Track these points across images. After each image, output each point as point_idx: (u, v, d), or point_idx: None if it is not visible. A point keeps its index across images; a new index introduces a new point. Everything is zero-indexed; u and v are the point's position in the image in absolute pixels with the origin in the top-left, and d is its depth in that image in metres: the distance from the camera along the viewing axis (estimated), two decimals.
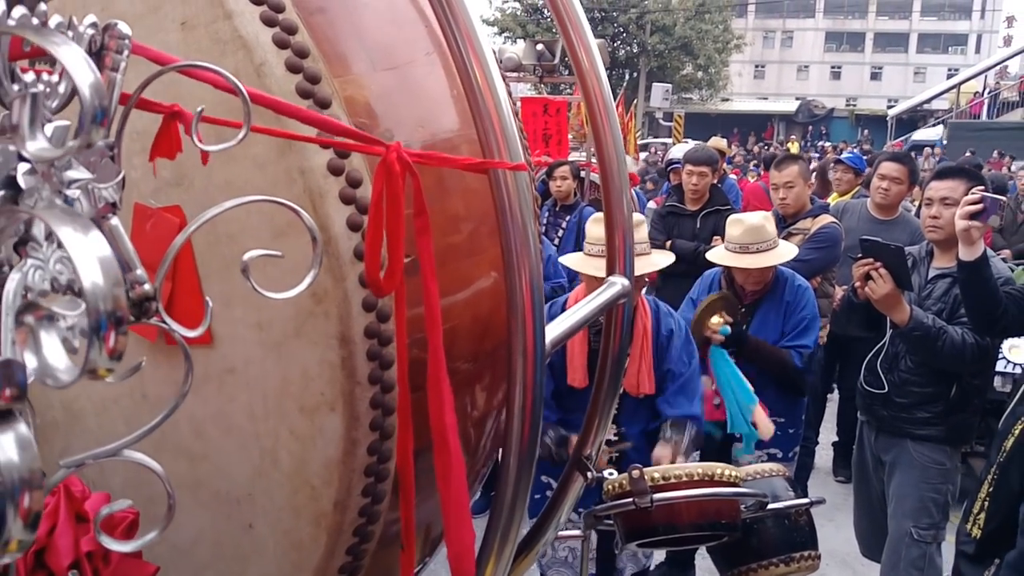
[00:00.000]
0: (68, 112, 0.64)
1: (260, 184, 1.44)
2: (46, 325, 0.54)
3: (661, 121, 26.28)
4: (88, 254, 0.49)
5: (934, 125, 31.03)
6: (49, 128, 0.55)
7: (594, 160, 8.35)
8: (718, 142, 9.50)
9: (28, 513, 0.49)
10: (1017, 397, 2.40)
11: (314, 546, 1.53)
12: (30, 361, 0.53)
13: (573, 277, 5.78)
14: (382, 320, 1.46)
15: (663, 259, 3.22)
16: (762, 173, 16.48)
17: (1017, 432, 2.19)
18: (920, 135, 22.53)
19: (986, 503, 2.32)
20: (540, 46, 9.10)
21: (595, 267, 2.79)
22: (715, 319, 3.68)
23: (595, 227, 3.00)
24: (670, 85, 24.50)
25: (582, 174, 7.94)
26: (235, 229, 1.47)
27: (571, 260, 3.15)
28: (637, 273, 2.02)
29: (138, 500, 0.99)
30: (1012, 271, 4.93)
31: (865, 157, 8.52)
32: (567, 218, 6.51)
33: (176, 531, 1.60)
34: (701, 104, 41.29)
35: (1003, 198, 3.28)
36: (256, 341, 1.49)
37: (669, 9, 37.29)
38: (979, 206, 3.13)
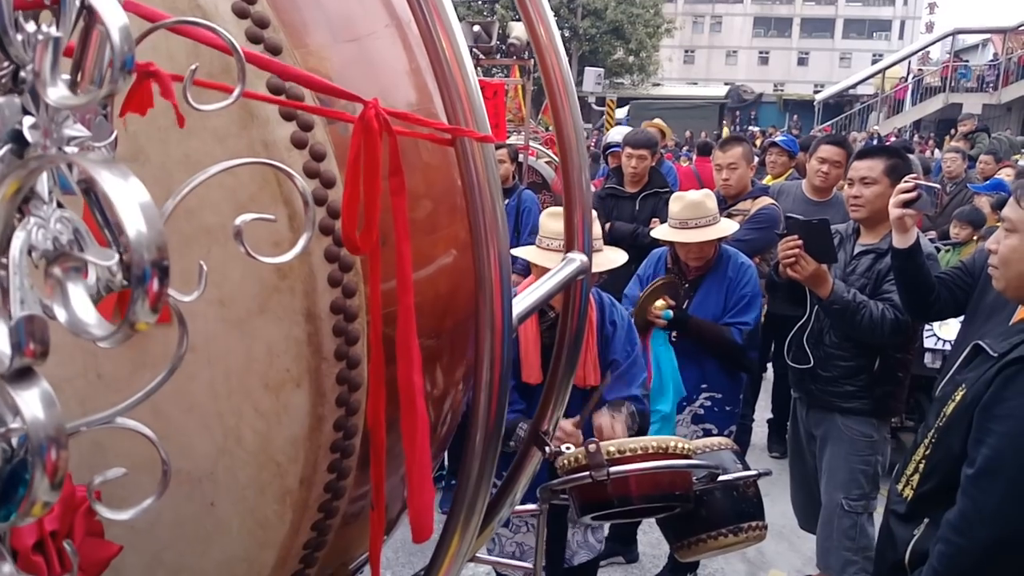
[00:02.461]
0: None
1: (221, 158, 1.39)
2: (74, 277, 0.52)
3: (594, 106, 26.42)
4: (130, 200, 0.48)
5: (859, 110, 31.91)
6: (65, 81, 0.53)
7: (533, 144, 8.38)
8: (659, 124, 9.60)
9: (55, 472, 0.48)
10: (957, 365, 2.50)
11: (279, 523, 1.51)
12: (60, 315, 0.51)
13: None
14: (348, 295, 1.45)
15: (618, 256, 3.24)
16: (694, 158, 16.74)
17: (958, 398, 2.28)
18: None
19: (921, 465, 2.41)
20: (477, 27, 9.06)
21: (551, 260, 2.79)
22: (659, 303, 3.75)
23: (551, 221, 3.01)
24: (602, 70, 24.58)
25: (520, 158, 7.95)
26: (194, 204, 1.43)
27: (525, 252, 3.16)
28: (593, 270, 2.04)
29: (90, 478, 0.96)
30: (938, 251, 5.11)
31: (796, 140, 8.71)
32: (506, 201, 6.51)
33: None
34: (632, 89, 41.64)
35: (937, 186, 3.39)
36: (218, 318, 1.46)
37: None
38: (913, 194, 3.22)
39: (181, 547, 1.60)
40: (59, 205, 0.59)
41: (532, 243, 3.21)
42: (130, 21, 0.73)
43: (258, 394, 1.47)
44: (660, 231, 4.19)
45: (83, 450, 1.60)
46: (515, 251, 3.14)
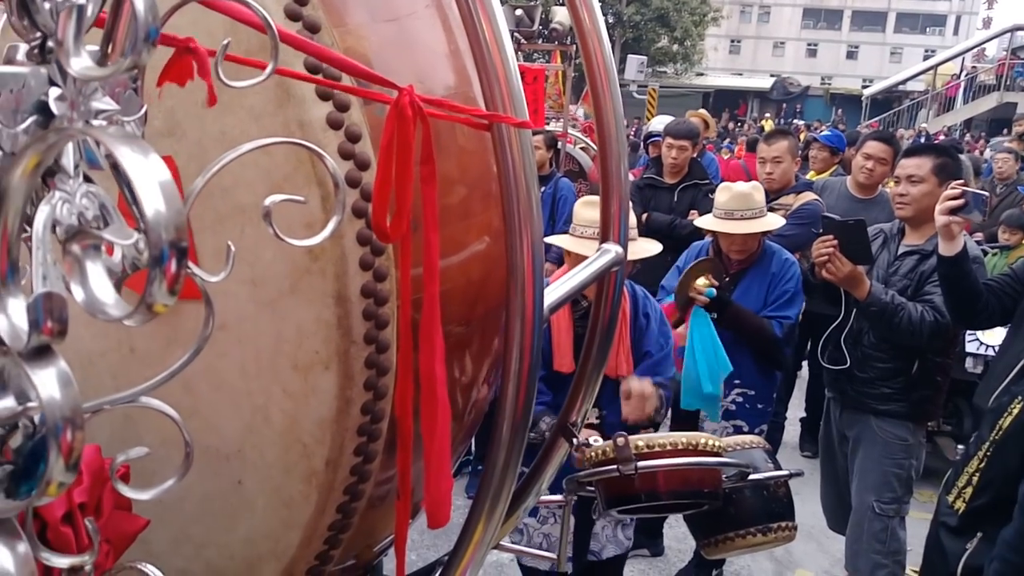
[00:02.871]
0: None
1: (256, 136, 1.39)
2: (93, 255, 0.51)
3: (635, 94, 26.18)
4: (150, 178, 0.47)
5: (908, 107, 31.30)
6: (89, 52, 0.52)
7: (571, 131, 8.33)
8: (703, 115, 9.46)
9: (71, 453, 0.47)
10: (1012, 375, 2.43)
11: (305, 504, 1.52)
12: (77, 294, 0.51)
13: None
14: (379, 280, 1.44)
15: (652, 247, 3.22)
16: (736, 150, 16.54)
17: (1016, 411, 2.22)
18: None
19: (974, 478, 2.35)
20: (519, 11, 9.00)
21: (586, 248, 2.78)
22: (702, 280, 3.69)
23: (585, 209, 3.00)
24: (645, 58, 24.34)
25: (558, 145, 7.89)
26: (229, 182, 1.43)
27: (560, 240, 3.15)
28: (628, 258, 2.02)
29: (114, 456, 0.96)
30: (985, 255, 5.00)
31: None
32: (542, 189, 6.48)
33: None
34: (675, 78, 41.22)
35: (985, 193, 3.30)
36: (249, 297, 1.46)
37: None
38: (959, 201, 3.14)
39: (208, 522, 1.62)
40: (87, 180, 0.58)
41: (567, 232, 3.19)
42: None
43: (287, 375, 1.47)
44: (704, 220, 4.14)
45: (115, 425, 1.62)
46: (549, 239, 3.13)
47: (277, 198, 0.81)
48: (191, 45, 0.79)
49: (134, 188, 0.46)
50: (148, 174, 0.47)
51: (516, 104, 1.34)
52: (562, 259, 3.49)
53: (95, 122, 0.55)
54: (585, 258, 1.94)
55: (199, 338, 0.65)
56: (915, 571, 4.25)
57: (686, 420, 4.04)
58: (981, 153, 16.24)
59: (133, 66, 0.50)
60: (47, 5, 0.51)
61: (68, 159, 0.55)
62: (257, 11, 0.71)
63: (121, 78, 0.58)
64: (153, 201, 0.47)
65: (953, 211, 3.15)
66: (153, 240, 0.47)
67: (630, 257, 2.97)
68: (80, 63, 0.51)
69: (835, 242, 3.52)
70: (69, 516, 1.11)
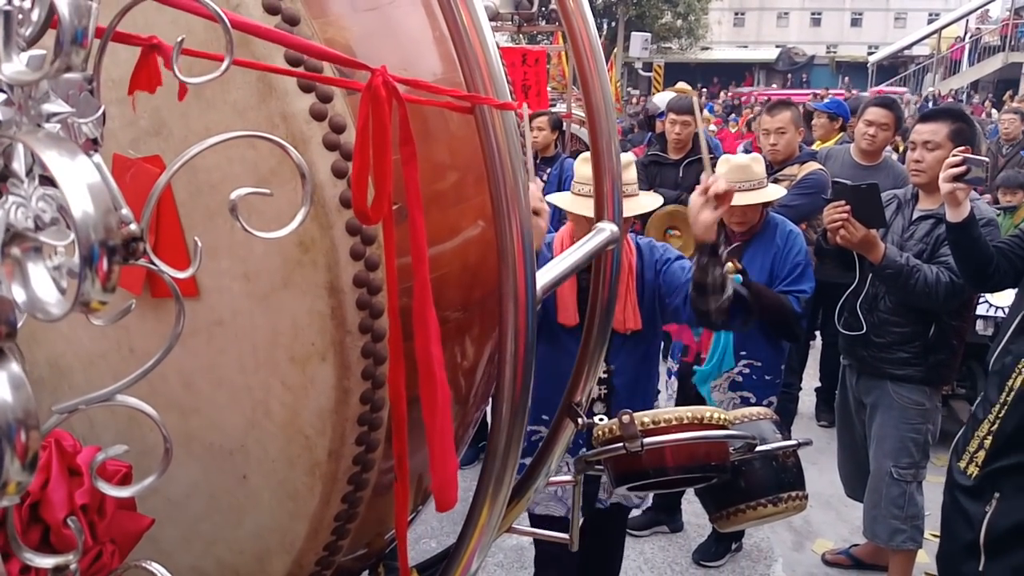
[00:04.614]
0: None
1: (240, 130, 1.40)
2: (33, 257, 0.52)
3: (640, 71, 26.00)
4: (77, 180, 0.47)
5: (914, 71, 30.99)
6: (24, 57, 0.53)
7: (575, 111, 8.29)
8: (683, 87, 9.41)
9: (25, 453, 0.48)
10: (1009, 334, 2.42)
11: (309, 495, 1.53)
12: (19, 295, 0.51)
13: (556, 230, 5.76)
14: (371, 269, 1.44)
15: (651, 200, 3.21)
16: (739, 122, 16.46)
17: None
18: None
19: (986, 442, 2.34)
20: None
21: (585, 207, 2.76)
22: (729, 265, 3.67)
23: (584, 166, 2.97)
24: (649, 34, 24.14)
25: (563, 126, 7.86)
26: (217, 178, 1.44)
27: (560, 199, 3.13)
28: (626, 215, 2.01)
29: (130, 455, 0.98)
30: (997, 215, 4.95)
31: (847, 102, 8.48)
32: (547, 170, 6.46)
33: (170, 484, 1.59)
34: (680, 53, 40.91)
35: (986, 159, 3.28)
36: (243, 292, 1.47)
37: None
38: (962, 168, 3.13)
39: (216, 518, 1.63)
40: (46, 182, 0.58)
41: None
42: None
43: (285, 368, 1.47)
44: None
45: (119, 426, 1.64)
46: (550, 197, 3.11)
47: (242, 191, 0.81)
48: (155, 42, 0.78)
49: (62, 190, 0.47)
50: (75, 176, 0.47)
51: (497, 86, 1.34)
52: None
53: (47, 125, 0.56)
54: (586, 218, 1.91)
55: (171, 335, 0.66)
56: (934, 535, 4.25)
57: (696, 398, 4.03)
58: (988, 115, 16.07)
59: (64, 68, 0.51)
60: None
61: (20, 163, 0.55)
62: (208, 5, 0.71)
63: (75, 80, 0.58)
64: (81, 203, 0.47)
65: (956, 178, 3.14)
66: (83, 240, 0.47)
67: (630, 213, 2.94)
68: (11, 68, 0.51)
69: (848, 207, 3.50)
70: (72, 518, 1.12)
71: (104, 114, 0.62)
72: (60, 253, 0.54)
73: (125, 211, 0.62)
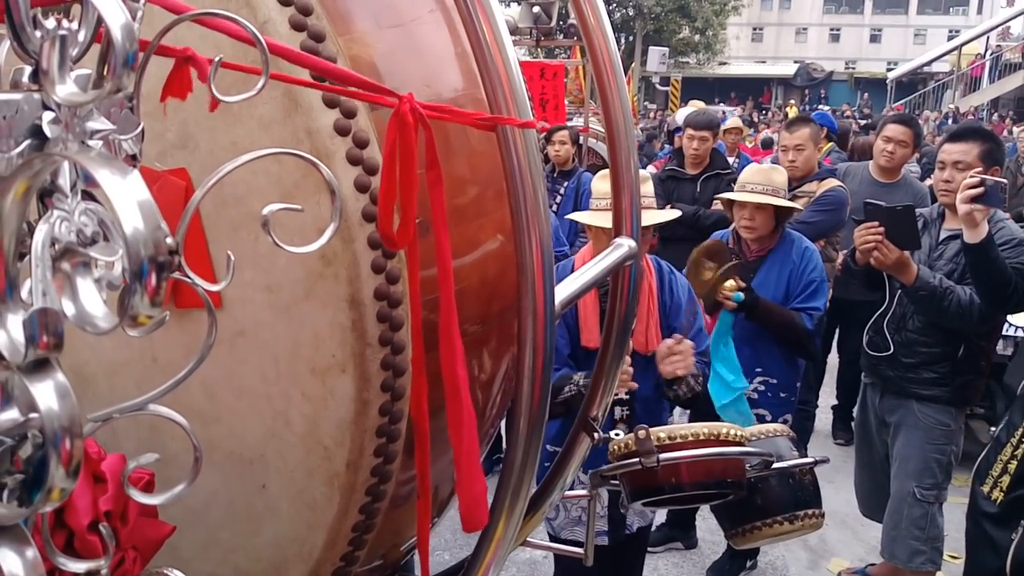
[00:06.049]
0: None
1: (266, 145, 1.42)
2: (82, 272, 0.54)
3: (658, 86, 26.04)
4: (128, 197, 0.49)
5: (934, 88, 30.88)
6: (74, 75, 0.55)
7: (592, 125, 8.31)
8: (698, 105, 9.47)
9: (70, 461, 0.49)
10: None
11: (328, 505, 1.54)
12: (68, 308, 0.53)
13: (572, 244, 5.78)
14: (391, 282, 1.46)
15: (667, 214, 3.24)
16: (755, 138, 16.47)
17: None
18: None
19: (1010, 466, 2.32)
20: (536, 8, 8.98)
21: (604, 219, 2.79)
22: (729, 283, 3.67)
23: (601, 183, 3.01)
24: (667, 49, 24.17)
25: (580, 140, 7.89)
26: (242, 191, 1.46)
27: (580, 216, 3.19)
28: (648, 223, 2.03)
29: (152, 463, 0.99)
30: None
31: (866, 121, 8.49)
32: (565, 184, 6.47)
33: (189, 492, 1.61)
34: (698, 68, 40.94)
35: (1004, 180, 3.28)
36: (266, 303, 1.49)
37: None
38: (979, 189, 3.12)
39: (235, 527, 1.65)
40: (88, 197, 0.60)
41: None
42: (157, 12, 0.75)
43: (305, 379, 1.49)
44: (722, 194, 4.20)
45: (141, 434, 1.66)
46: (571, 215, 3.18)
47: (274, 207, 0.83)
48: (189, 54, 0.81)
49: (113, 207, 0.48)
50: (126, 194, 0.49)
51: (519, 104, 1.36)
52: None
53: (91, 142, 0.58)
54: (605, 230, 1.94)
55: (203, 347, 0.68)
56: (952, 556, 4.21)
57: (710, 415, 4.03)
58: (1010, 133, 15.99)
59: (116, 90, 0.52)
60: (38, 34, 0.54)
61: (64, 179, 0.57)
62: (245, 26, 0.73)
63: (116, 98, 0.60)
64: (131, 219, 0.49)
65: (974, 199, 3.13)
66: (133, 256, 0.49)
67: (646, 223, 2.98)
68: (65, 90, 0.53)
69: (881, 229, 3.48)
70: (95, 524, 1.14)
71: (143, 131, 0.64)
72: (100, 267, 0.56)
73: (162, 224, 0.64)
